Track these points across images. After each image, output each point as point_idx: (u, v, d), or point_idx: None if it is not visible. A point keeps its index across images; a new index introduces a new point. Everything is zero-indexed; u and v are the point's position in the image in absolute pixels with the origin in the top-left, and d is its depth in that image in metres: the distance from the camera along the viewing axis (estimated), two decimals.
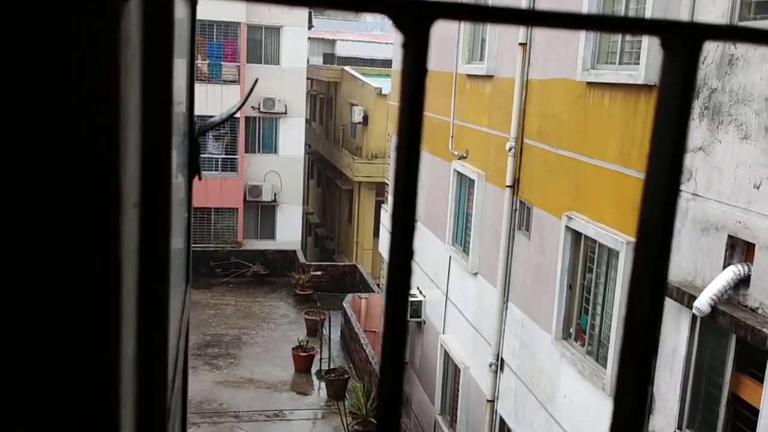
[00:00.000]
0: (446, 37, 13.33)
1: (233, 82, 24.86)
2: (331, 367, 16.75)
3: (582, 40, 8.61)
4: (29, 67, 0.46)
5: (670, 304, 6.91)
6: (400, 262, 0.43)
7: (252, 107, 25.14)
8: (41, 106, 0.47)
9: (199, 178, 1.57)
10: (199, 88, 23.32)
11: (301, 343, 17.41)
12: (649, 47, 7.31)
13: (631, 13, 7.97)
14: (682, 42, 0.43)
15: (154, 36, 0.61)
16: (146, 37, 0.57)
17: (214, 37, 25.00)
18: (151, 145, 0.64)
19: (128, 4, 0.50)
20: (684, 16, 6.78)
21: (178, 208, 1.27)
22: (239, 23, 25.02)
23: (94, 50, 0.47)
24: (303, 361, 17.14)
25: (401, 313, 0.44)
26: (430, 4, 0.40)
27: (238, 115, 24.64)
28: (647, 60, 7.33)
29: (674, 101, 0.44)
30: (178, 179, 1.25)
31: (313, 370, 17.16)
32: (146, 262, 0.65)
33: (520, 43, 10.26)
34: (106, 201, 0.50)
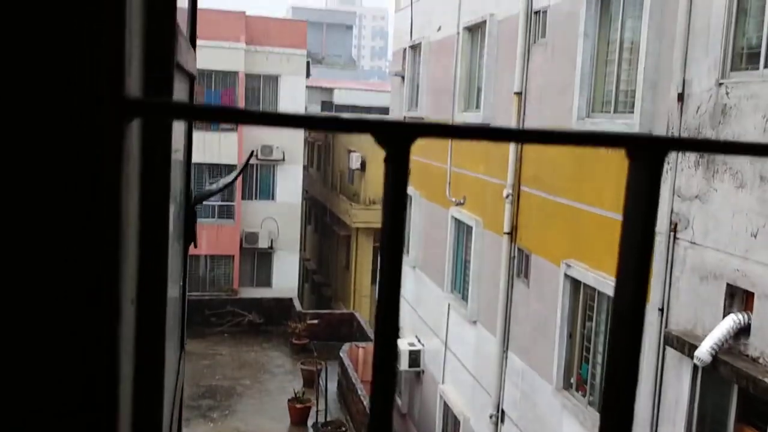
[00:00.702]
0: (443, 86, 13.51)
1: (231, 130, 25.07)
2: (328, 419, 16.46)
3: (577, 89, 8.72)
4: (35, 183, 0.49)
5: (671, 354, 6.84)
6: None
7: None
8: (46, 214, 0.50)
9: (195, 246, 1.56)
10: (197, 135, 23.37)
11: (297, 395, 17.14)
12: (644, 96, 7.40)
13: (625, 64, 8.09)
14: (646, 154, 0.46)
15: (154, 153, 0.63)
16: (146, 150, 0.60)
17: (213, 85, 25.32)
18: (148, 242, 0.65)
19: (131, 124, 0.52)
20: (677, 69, 6.89)
21: (174, 276, 1.26)
22: (237, 72, 25.37)
23: (97, 168, 0.50)
24: (299, 414, 16.84)
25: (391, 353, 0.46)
26: (408, 125, 0.44)
27: (235, 162, 24.78)
28: (642, 108, 7.42)
29: (641, 208, 0.47)
30: (173, 248, 1.25)
31: (310, 422, 16.86)
32: (142, 353, 0.65)
33: (515, 93, 10.39)
34: (104, 301, 0.52)
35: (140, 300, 0.63)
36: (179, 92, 1.24)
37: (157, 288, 0.74)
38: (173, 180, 1.24)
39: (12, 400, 0.51)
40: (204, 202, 25.40)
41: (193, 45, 1.65)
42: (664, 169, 7.04)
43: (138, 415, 0.72)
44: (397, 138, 0.43)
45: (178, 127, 1.47)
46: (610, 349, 0.49)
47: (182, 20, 1.36)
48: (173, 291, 1.33)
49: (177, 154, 1.33)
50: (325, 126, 0.46)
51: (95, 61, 0.48)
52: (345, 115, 0.49)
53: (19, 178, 0.48)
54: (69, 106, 0.48)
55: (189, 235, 1.55)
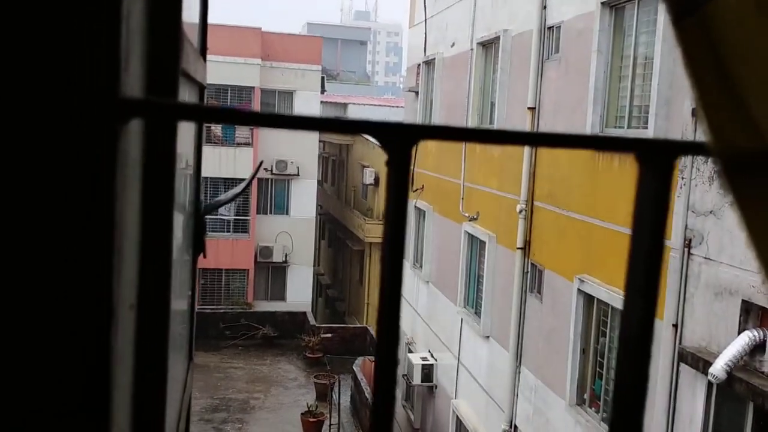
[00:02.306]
0: (456, 101, 13.55)
1: (246, 144, 25.23)
2: None
3: (590, 103, 8.72)
4: (26, 184, 0.48)
5: (685, 370, 6.78)
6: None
7: (265, 169, 25.46)
8: (38, 213, 0.49)
9: (204, 257, 1.58)
10: (212, 150, 23.67)
11: (310, 408, 17.11)
12: (657, 112, 7.39)
13: (638, 80, 8.08)
14: (656, 158, 0.44)
15: (156, 153, 0.62)
16: (148, 155, 0.59)
17: (228, 100, 25.52)
18: (151, 248, 0.65)
19: (128, 125, 0.51)
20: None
21: (181, 286, 1.27)
22: (253, 88, 25.57)
23: (90, 170, 0.48)
24: (312, 427, 16.81)
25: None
26: (411, 126, 0.43)
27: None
28: (656, 123, 7.40)
29: (650, 215, 0.44)
30: (182, 258, 1.25)
31: None
32: (143, 358, 0.65)
33: (528, 108, 10.40)
34: (98, 302, 0.50)
35: (141, 306, 0.63)
36: (188, 100, 1.26)
37: (160, 295, 0.74)
38: (182, 189, 1.26)
39: (12, 400, 0.50)
40: (219, 217, 25.52)
41: (204, 57, 1.67)
42: (678, 184, 7.01)
43: (138, 421, 0.71)
44: (398, 140, 0.42)
45: (188, 138, 1.50)
46: (618, 362, 0.47)
47: (192, 32, 1.39)
48: (181, 301, 1.34)
49: (186, 164, 1.36)
50: (327, 127, 0.45)
51: (87, 58, 0.47)
52: (347, 116, 0.47)
53: (9, 175, 0.47)
54: (60, 104, 0.47)
55: (198, 246, 1.56)
